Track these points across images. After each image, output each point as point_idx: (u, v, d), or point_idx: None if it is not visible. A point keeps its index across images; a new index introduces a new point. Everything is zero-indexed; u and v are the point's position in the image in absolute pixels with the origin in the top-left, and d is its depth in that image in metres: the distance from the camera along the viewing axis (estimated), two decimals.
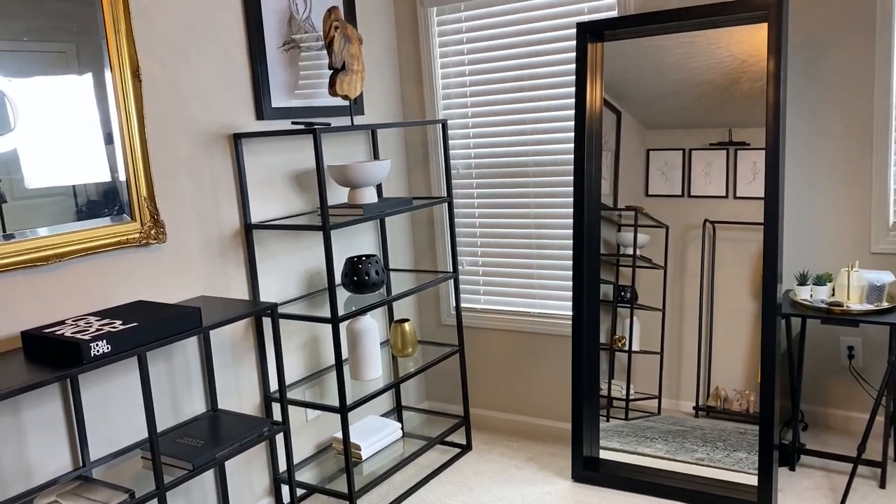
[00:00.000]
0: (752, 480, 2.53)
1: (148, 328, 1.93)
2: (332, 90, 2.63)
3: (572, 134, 2.95)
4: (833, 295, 2.64)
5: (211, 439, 2.22)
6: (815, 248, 2.87)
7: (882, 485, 2.57)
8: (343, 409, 2.51)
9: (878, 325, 2.78)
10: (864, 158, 2.74)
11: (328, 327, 2.98)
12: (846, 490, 2.46)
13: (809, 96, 2.80)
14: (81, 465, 2.12)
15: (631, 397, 2.79)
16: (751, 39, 2.50)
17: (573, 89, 2.98)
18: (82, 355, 1.78)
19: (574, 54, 2.96)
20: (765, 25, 2.44)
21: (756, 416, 2.56)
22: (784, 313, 2.57)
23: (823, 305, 2.56)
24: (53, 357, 1.85)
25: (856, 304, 2.55)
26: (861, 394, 2.89)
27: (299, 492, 2.81)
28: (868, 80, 2.69)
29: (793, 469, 2.75)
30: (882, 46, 2.64)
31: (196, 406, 2.46)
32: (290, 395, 2.74)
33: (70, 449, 2.10)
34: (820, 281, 2.64)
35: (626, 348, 2.79)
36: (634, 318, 2.77)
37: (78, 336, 1.83)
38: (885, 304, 2.51)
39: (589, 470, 2.81)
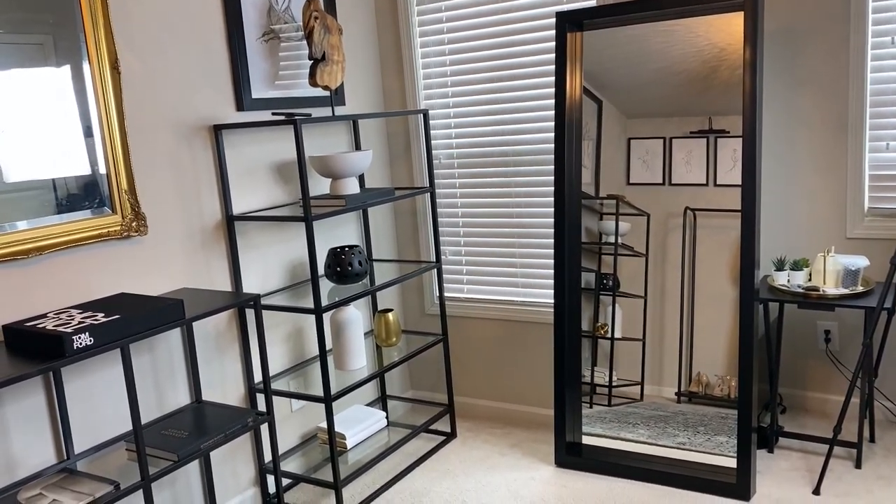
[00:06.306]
0: (732, 463, 2.58)
1: (130, 320, 1.93)
2: (313, 80, 2.62)
3: (553, 123, 2.97)
4: (810, 280, 2.68)
5: (195, 430, 2.22)
6: (792, 234, 2.91)
7: (858, 465, 2.62)
8: (327, 399, 2.52)
9: (853, 309, 2.84)
10: (840, 145, 2.78)
11: (312, 318, 2.98)
12: (822, 470, 2.51)
13: (786, 84, 2.83)
14: (66, 457, 2.12)
15: (614, 384, 2.82)
16: (729, 28, 2.52)
17: (553, 79, 2.99)
18: (65, 348, 1.78)
19: (553, 44, 2.97)
20: (742, 14, 2.46)
21: (737, 400, 2.60)
22: (762, 298, 2.61)
23: (800, 290, 2.60)
24: (36, 350, 1.84)
25: (831, 288, 2.59)
26: (837, 376, 2.94)
27: (285, 481, 2.83)
28: (843, 68, 2.73)
29: (771, 451, 2.80)
30: (857, 34, 2.68)
31: (180, 398, 2.46)
32: (275, 385, 2.75)
33: (54, 442, 2.10)
34: (797, 266, 2.68)
35: (609, 335, 2.82)
36: (617, 305, 2.80)
37: (60, 329, 1.83)
38: (860, 289, 2.56)
39: (572, 455, 2.84)
